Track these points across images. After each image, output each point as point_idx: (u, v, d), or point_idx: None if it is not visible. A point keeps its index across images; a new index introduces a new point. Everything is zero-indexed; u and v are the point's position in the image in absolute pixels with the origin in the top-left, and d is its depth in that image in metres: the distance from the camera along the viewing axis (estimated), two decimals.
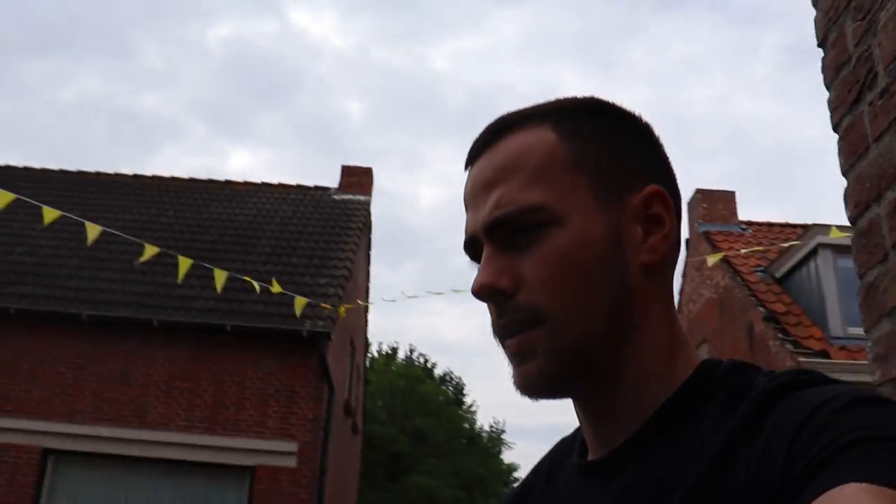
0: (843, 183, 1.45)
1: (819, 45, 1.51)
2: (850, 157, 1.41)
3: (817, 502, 0.52)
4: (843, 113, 1.43)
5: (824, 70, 1.50)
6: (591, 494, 0.74)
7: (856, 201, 1.40)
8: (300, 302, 8.04)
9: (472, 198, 0.76)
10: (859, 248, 1.40)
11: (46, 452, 10.65)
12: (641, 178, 0.75)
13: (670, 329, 0.75)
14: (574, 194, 0.72)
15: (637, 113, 0.79)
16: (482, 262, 0.74)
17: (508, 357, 0.74)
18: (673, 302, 0.77)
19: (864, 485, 0.51)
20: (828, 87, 1.49)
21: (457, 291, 8.53)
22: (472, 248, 0.77)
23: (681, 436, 0.69)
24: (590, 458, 0.77)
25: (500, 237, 0.73)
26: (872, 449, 0.54)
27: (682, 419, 0.70)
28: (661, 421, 0.71)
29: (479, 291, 0.73)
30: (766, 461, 0.60)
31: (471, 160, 0.79)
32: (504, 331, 0.73)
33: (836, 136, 1.48)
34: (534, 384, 0.72)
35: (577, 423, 0.81)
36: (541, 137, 0.74)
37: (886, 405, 0.59)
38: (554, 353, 0.70)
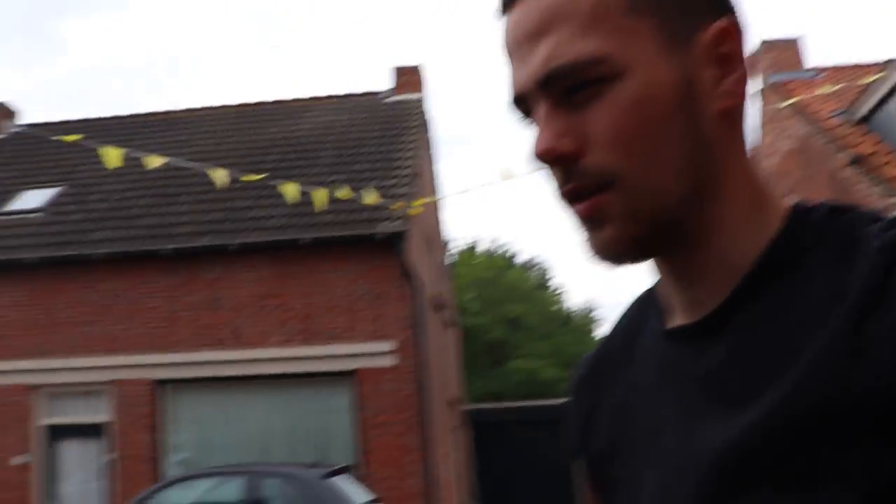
0: None
1: None
2: None
3: None
4: None
5: None
6: (684, 365, 0.68)
7: None
8: (370, 198, 7.90)
9: (516, 48, 0.67)
10: None
11: (157, 383, 11.07)
12: (707, 13, 0.66)
13: (752, 176, 0.68)
14: (636, 41, 0.64)
15: None
16: (539, 122, 0.66)
17: (579, 223, 0.67)
18: (748, 146, 0.70)
19: None
20: None
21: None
22: (522, 104, 0.69)
23: (786, 297, 0.62)
24: (678, 323, 0.71)
25: (556, 93, 0.65)
26: None
27: (782, 277, 0.63)
28: (760, 279, 0.64)
29: (544, 156, 0.65)
30: None
31: (507, 4, 0.69)
32: (572, 196, 0.66)
33: None
34: (614, 250, 0.66)
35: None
36: None
37: None
38: (630, 217, 0.64)
